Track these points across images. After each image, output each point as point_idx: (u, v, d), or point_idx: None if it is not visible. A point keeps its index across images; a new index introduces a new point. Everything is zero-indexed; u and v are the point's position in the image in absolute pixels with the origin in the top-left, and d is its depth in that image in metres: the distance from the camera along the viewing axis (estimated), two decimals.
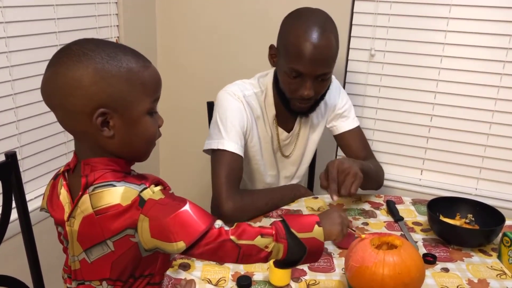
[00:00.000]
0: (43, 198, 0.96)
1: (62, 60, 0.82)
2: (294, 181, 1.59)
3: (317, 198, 1.48)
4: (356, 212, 1.40)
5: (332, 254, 1.18)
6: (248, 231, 0.87)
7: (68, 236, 0.89)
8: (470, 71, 1.80)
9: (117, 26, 1.99)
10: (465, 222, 1.28)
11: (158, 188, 0.85)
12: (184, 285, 1.05)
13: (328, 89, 1.43)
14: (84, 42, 0.84)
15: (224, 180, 1.30)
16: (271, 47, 1.40)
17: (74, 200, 0.87)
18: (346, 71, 1.99)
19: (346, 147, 1.59)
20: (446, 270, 1.14)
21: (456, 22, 1.78)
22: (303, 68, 1.29)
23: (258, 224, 1.30)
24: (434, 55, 1.84)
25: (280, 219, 0.92)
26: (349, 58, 1.97)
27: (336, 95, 1.57)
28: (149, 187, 0.85)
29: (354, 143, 1.58)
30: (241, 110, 1.39)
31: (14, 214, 1.22)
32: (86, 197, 0.85)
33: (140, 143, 0.89)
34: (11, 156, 1.19)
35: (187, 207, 0.83)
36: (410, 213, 1.41)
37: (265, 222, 1.32)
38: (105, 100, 0.81)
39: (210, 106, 1.74)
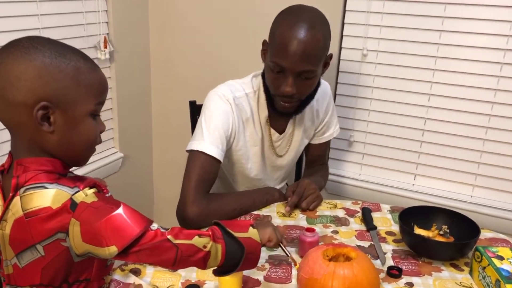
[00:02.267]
0: None
1: (10, 51, 0.82)
2: (281, 182, 1.57)
3: None
4: (328, 220, 1.34)
5: (292, 264, 1.14)
6: (185, 232, 0.85)
7: (0, 240, 0.87)
8: (466, 73, 1.72)
9: (107, 22, 1.97)
10: (439, 234, 1.21)
11: (92, 191, 0.83)
12: None
13: (315, 91, 1.38)
14: (36, 38, 0.84)
15: (194, 184, 1.26)
16: (264, 42, 1.37)
17: (6, 202, 0.85)
18: (338, 71, 1.93)
19: (310, 152, 1.66)
20: (410, 285, 1.07)
21: (451, 22, 1.70)
22: (284, 63, 1.25)
23: None
24: (428, 55, 1.76)
25: (214, 224, 0.92)
26: (341, 57, 1.91)
27: (328, 105, 1.57)
28: (82, 189, 0.82)
29: (320, 151, 1.66)
30: (227, 113, 1.35)
31: None
32: (17, 199, 0.82)
33: (79, 144, 0.87)
34: None
35: (120, 210, 0.81)
36: (386, 222, 1.34)
37: None
38: (48, 94, 0.81)
39: (193, 105, 1.71)
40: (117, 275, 1.06)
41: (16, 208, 0.82)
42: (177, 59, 2.22)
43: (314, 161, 1.67)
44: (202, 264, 0.87)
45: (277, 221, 1.32)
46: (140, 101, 2.25)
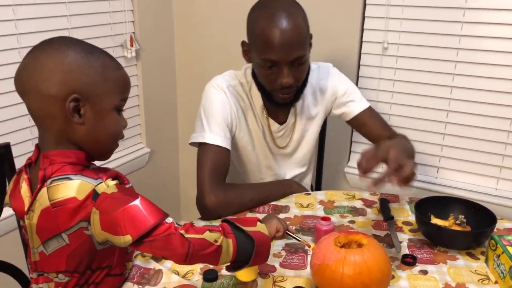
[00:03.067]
0: (6, 193, 1.00)
1: (43, 48, 0.89)
2: (295, 174, 1.56)
3: (309, 194, 1.45)
4: (346, 210, 1.36)
5: (308, 251, 1.16)
6: (195, 228, 0.88)
7: (28, 229, 0.93)
8: (489, 64, 1.70)
9: (133, 22, 2.04)
10: (456, 223, 1.21)
11: (114, 182, 0.88)
12: (151, 275, 1.06)
13: (308, 73, 1.38)
14: (66, 37, 0.93)
15: (207, 174, 1.30)
16: (243, 43, 1.38)
17: (33, 193, 0.91)
18: (359, 65, 1.94)
19: (364, 130, 1.51)
20: (424, 272, 1.08)
21: (473, 13, 1.68)
22: (275, 56, 1.25)
23: None
24: (450, 47, 1.75)
25: (223, 220, 0.97)
26: (362, 51, 1.92)
27: (335, 81, 1.49)
28: (105, 181, 0.87)
29: (372, 124, 1.49)
30: (223, 101, 1.37)
31: None
32: (44, 190, 0.88)
33: (105, 136, 0.93)
34: (5, 147, 1.25)
35: (137, 202, 0.85)
36: (403, 212, 1.35)
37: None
38: (79, 87, 0.88)
39: None
40: (138, 261, 1.11)
41: (43, 199, 0.87)
42: (201, 57, 2.27)
43: (379, 137, 1.46)
44: (215, 258, 0.89)
45: (295, 211, 1.35)
46: (165, 98, 2.31)
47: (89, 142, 0.92)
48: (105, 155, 0.98)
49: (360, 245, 1.02)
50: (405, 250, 1.17)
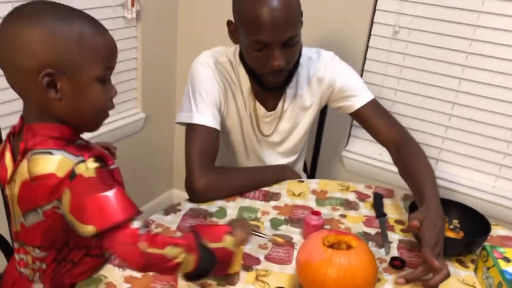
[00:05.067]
0: None
1: (13, 18, 0.82)
2: (284, 161, 1.51)
3: (302, 182, 1.41)
4: (338, 202, 1.32)
5: (295, 245, 1.13)
6: (158, 240, 0.83)
7: (9, 199, 0.90)
8: (501, 58, 1.63)
9: None
10: (449, 228, 1.18)
11: (94, 165, 0.83)
12: None
13: (300, 55, 1.31)
14: (39, 3, 0.84)
15: (197, 157, 1.25)
16: (229, 23, 1.29)
17: (15, 164, 0.87)
18: (367, 46, 1.86)
19: (366, 126, 1.43)
20: None
21: (491, 3, 1.60)
22: (266, 37, 1.17)
23: (231, 203, 1.27)
24: (463, 37, 1.68)
25: (190, 229, 0.91)
26: (372, 32, 1.84)
27: (334, 73, 1.39)
28: (86, 160, 0.82)
29: (373, 120, 1.40)
30: (211, 79, 1.31)
31: None
32: (24, 162, 0.84)
33: (87, 110, 0.87)
34: None
35: (110, 192, 0.80)
36: (397, 209, 1.32)
37: (240, 202, 1.28)
38: (53, 60, 0.81)
39: None
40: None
41: (24, 171, 0.84)
42: (205, 21, 2.18)
43: (386, 138, 1.40)
44: (171, 272, 0.89)
45: (286, 199, 1.31)
46: (165, 62, 2.24)
47: (71, 117, 0.87)
48: (92, 128, 0.93)
49: (349, 247, 0.99)
50: (395, 252, 1.14)
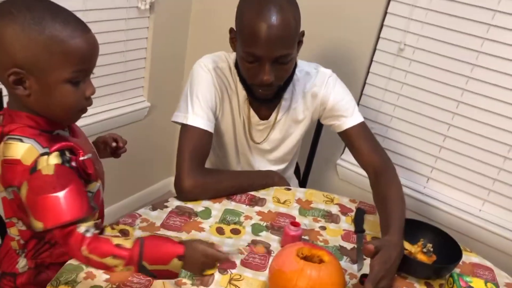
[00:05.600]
0: None
1: None
2: (274, 168, 1.55)
3: (289, 189, 1.46)
4: (320, 214, 1.37)
5: (272, 252, 1.18)
6: (100, 249, 0.85)
7: None
8: (500, 86, 1.66)
9: None
10: (423, 251, 1.22)
11: (55, 162, 0.87)
12: None
13: (293, 73, 1.34)
14: (16, 2, 0.85)
15: (187, 157, 1.30)
16: (231, 30, 1.33)
17: None
18: (371, 60, 1.89)
19: (351, 147, 1.46)
20: None
21: (497, 31, 1.62)
22: (258, 51, 1.21)
23: (216, 205, 1.32)
24: (466, 62, 1.70)
25: (140, 243, 0.87)
26: (377, 47, 1.87)
27: (328, 91, 1.43)
28: (51, 152, 0.87)
29: (360, 143, 1.43)
30: (209, 83, 1.35)
31: None
32: (2, 144, 0.90)
33: (57, 108, 0.90)
34: None
35: (61, 193, 0.85)
36: (376, 227, 1.35)
37: (226, 204, 1.33)
38: (20, 61, 0.84)
39: None
40: (107, 233, 1.14)
41: (0, 152, 0.89)
42: (217, 18, 2.21)
43: (367, 161, 1.43)
44: (111, 272, 0.96)
45: (270, 206, 1.36)
46: (174, 55, 2.28)
47: (42, 112, 0.91)
48: (66, 122, 0.97)
49: (321, 261, 1.03)
50: (366, 269, 1.18)
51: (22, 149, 0.86)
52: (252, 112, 1.42)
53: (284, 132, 1.47)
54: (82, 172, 0.92)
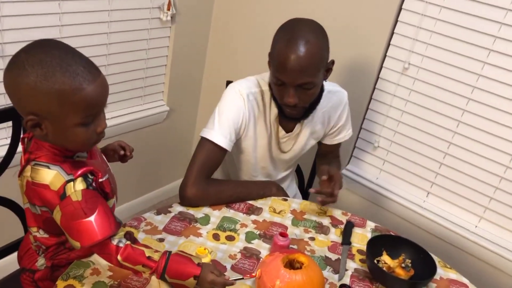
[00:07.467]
0: None
1: (11, 66, 0.96)
2: (285, 171, 1.72)
3: (286, 200, 1.57)
4: (311, 225, 1.47)
5: (261, 259, 1.29)
6: (132, 258, 1.02)
7: (20, 187, 1.09)
8: (500, 110, 1.72)
9: None
10: (401, 266, 1.31)
11: (81, 187, 0.99)
12: None
13: (320, 97, 1.48)
14: (31, 54, 0.94)
15: (197, 167, 1.43)
16: (269, 54, 1.46)
17: (22, 165, 1.05)
18: (378, 77, 1.97)
19: (323, 150, 1.79)
20: None
21: (496, 57, 1.68)
22: (283, 78, 1.37)
23: (216, 212, 1.44)
24: (467, 84, 1.76)
25: (166, 258, 1.04)
26: (383, 65, 1.94)
27: (344, 112, 1.65)
28: (76, 179, 0.99)
29: (332, 149, 1.78)
30: (239, 108, 1.48)
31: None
32: (28, 167, 1.03)
33: (72, 145, 1.03)
34: None
35: (92, 218, 0.98)
36: (363, 240, 1.45)
37: (224, 212, 1.45)
38: (34, 110, 0.95)
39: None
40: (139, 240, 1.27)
41: (27, 174, 1.02)
42: (237, 30, 2.33)
43: (326, 155, 1.81)
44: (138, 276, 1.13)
45: (266, 215, 1.47)
46: (194, 64, 2.42)
47: (60, 145, 1.02)
48: (83, 152, 1.08)
49: (302, 264, 1.15)
50: (347, 280, 1.29)
51: (50, 175, 0.99)
52: (280, 127, 1.58)
53: (303, 144, 1.64)
54: (101, 191, 1.06)
